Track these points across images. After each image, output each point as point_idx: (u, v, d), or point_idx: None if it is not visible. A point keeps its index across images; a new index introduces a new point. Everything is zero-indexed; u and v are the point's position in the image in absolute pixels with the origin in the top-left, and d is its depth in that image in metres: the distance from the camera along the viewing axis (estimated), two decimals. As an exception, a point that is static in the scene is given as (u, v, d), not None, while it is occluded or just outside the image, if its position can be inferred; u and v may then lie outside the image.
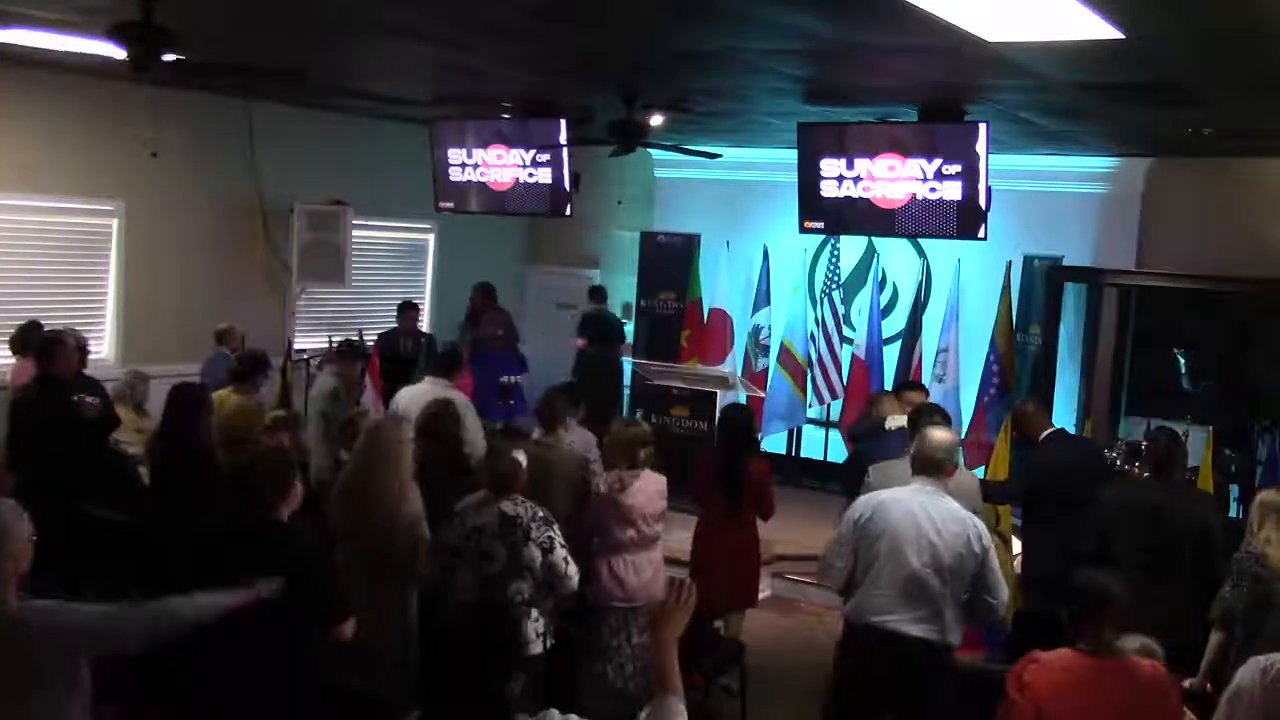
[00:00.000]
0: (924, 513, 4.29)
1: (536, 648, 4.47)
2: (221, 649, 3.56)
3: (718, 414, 7.49)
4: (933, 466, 4.40)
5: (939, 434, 4.51)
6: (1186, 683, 4.22)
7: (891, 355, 9.64)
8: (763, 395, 9.53)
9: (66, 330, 6.83)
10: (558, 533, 4.52)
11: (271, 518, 3.84)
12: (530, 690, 4.42)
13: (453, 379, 6.62)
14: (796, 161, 7.54)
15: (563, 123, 8.06)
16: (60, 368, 6.12)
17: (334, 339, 9.03)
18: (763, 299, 10.00)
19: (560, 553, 4.46)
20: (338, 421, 6.57)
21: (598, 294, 10.60)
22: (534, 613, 4.46)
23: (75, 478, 5.50)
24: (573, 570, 4.52)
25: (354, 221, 9.74)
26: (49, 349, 6.15)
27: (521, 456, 4.62)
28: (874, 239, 9.88)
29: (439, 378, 6.59)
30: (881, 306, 9.81)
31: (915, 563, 4.24)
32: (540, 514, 4.51)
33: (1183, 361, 8.77)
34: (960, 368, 9.11)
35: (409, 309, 9.71)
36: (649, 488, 5.12)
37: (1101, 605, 3.42)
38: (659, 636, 2.71)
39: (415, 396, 6.30)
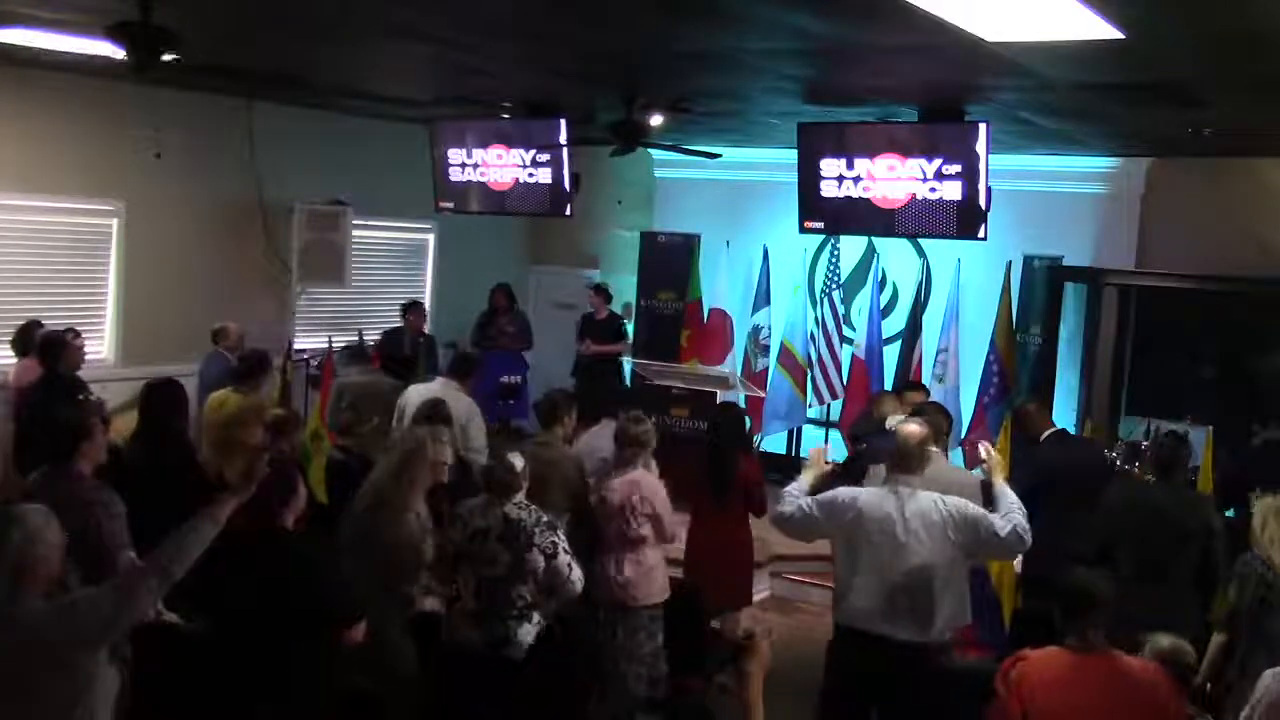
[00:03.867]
0: (899, 514, 4.26)
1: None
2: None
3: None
4: (906, 462, 4.37)
5: (909, 426, 4.50)
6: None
7: (891, 355, 9.63)
8: (763, 395, 9.53)
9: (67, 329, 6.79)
10: (561, 537, 4.50)
11: (275, 525, 3.87)
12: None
13: (464, 381, 6.64)
14: (796, 161, 7.54)
15: (563, 123, 8.04)
16: (65, 365, 6.05)
17: (334, 339, 9.03)
18: (763, 299, 9.99)
19: (564, 558, 4.43)
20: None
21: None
22: (535, 615, 4.46)
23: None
24: (577, 575, 4.49)
25: (354, 221, 9.74)
26: (52, 347, 6.06)
27: (519, 460, 4.60)
28: (874, 239, 9.87)
29: (450, 379, 6.65)
30: (881, 306, 9.80)
31: (898, 568, 4.23)
32: (544, 518, 4.48)
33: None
34: (960, 368, 9.10)
35: (416, 308, 9.70)
36: (631, 486, 5.11)
37: (1089, 603, 3.46)
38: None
39: (425, 394, 6.32)
